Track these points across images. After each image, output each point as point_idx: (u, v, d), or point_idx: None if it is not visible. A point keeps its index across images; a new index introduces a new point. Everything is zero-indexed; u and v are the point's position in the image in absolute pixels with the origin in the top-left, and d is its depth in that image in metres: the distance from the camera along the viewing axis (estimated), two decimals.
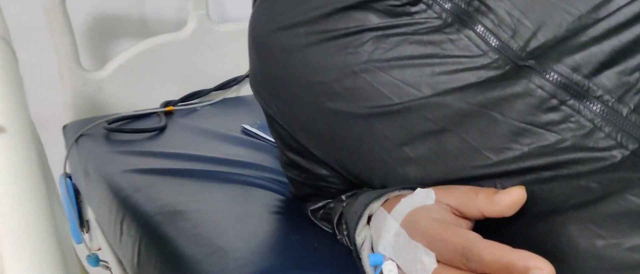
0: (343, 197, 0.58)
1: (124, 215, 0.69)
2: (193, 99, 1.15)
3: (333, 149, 0.55)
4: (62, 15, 1.00)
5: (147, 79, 1.14)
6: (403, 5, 0.47)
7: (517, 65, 0.43)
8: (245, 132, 0.96)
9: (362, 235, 0.48)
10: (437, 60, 0.45)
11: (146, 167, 0.78)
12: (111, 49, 1.25)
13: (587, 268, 0.39)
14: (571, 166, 0.41)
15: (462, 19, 0.45)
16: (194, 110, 1.11)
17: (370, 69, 0.47)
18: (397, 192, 0.48)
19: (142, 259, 0.63)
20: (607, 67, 0.40)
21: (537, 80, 0.42)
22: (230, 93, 1.22)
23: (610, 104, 0.40)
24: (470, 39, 0.45)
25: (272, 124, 0.63)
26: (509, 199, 0.41)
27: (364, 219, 0.49)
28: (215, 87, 1.19)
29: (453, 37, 0.45)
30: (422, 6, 0.46)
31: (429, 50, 0.45)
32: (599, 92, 0.40)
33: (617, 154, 0.39)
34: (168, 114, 1.06)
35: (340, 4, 0.49)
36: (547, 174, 0.41)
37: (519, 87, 0.42)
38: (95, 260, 0.95)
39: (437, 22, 0.46)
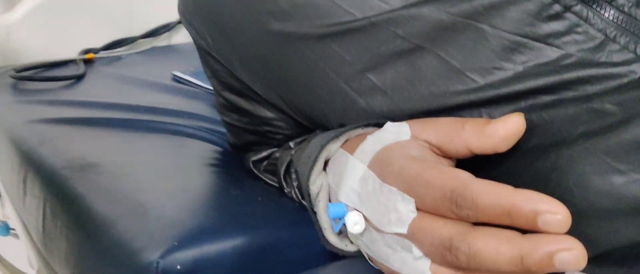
0: (291, 144, 0.50)
1: (27, 172, 0.58)
2: (118, 47, 1.04)
3: (280, 83, 0.46)
4: None
5: (64, 25, 1.02)
6: None
7: None
8: (176, 79, 0.87)
9: (317, 183, 0.40)
10: None
11: (56, 116, 0.67)
12: None
13: (602, 210, 0.32)
14: (578, 86, 0.33)
15: None
16: (118, 58, 1.00)
17: None
18: (359, 131, 0.40)
19: (48, 224, 0.53)
20: None
21: None
22: (161, 41, 1.11)
23: (626, 9, 0.33)
24: None
25: (206, 59, 0.53)
26: (504, 130, 0.33)
27: (320, 164, 0.40)
28: (143, 34, 1.08)
29: None
30: None
31: None
32: None
33: (638, 69, 0.32)
34: (88, 62, 0.95)
35: None
36: (547, 98, 0.34)
37: None
38: (5, 229, 0.85)
39: None
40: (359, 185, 0.35)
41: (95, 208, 0.45)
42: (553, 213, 0.27)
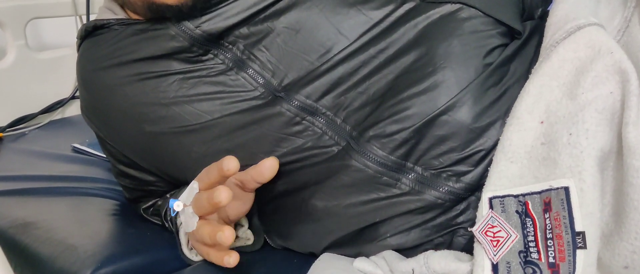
0: (168, 195, 0.76)
1: None
2: (21, 124, 1.22)
3: (156, 161, 0.72)
4: None
5: None
6: (197, 55, 0.65)
7: (275, 95, 0.63)
8: (76, 150, 1.08)
9: (180, 218, 0.67)
10: (224, 95, 0.64)
11: None
12: None
13: (327, 220, 0.62)
14: (311, 158, 0.62)
15: (238, 64, 0.65)
16: (23, 135, 1.19)
17: (177, 102, 0.65)
18: None
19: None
20: (327, 94, 0.62)
21: (286, 105, 0.63)
22: (56, 115, 1.30)
23: (330, 117, 0.62)
24: (244, 79, 0.64)
25: (104, 144, 0.77)
26: (266, 164, 0.62)
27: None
28: (41, 110, 1.27)
29: (233, 77, 0.64)
30: (210, 56, 0.65)
31: (218, 88, 0.65)
32: (324, 110, 0.62)
33: (335, 149, 0.61)
34: None
35: (149, 53, 0.66)
36: (298, 165, 0.63)
37: (275, 110, 0.63)
38: None
39: (222, 67, 0.65)
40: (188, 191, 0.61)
41: (41, 251, 0.70)
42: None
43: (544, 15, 0.63)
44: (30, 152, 1.07)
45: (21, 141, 1.15)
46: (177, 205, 0.60)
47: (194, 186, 0.60)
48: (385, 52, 0.61)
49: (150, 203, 0.80)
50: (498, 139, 0.55)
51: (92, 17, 1.25)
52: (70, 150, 1.09)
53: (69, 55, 1.33)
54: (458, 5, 0.61)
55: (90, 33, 0.73)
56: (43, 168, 0.99)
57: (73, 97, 1.32)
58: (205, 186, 0.60)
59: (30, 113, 1.26)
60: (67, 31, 1.36)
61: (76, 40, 0.76)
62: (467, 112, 0.56)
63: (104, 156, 1.00)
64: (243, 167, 0.64)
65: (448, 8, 0.61)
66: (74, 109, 1.33)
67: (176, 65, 0.66)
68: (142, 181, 0.76)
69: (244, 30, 0.64)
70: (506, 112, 0.56)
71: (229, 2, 0.65)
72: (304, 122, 0.62)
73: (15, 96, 1.26)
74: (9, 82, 1.24)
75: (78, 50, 0.76)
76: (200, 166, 0.66)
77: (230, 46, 0.65)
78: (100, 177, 0.95)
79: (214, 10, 0.65)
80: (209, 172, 0.61)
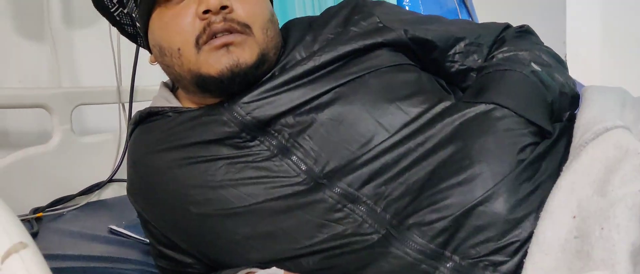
0: None
1: None
2: (59, 205, 1.26)
3: (198, 243, 0.75)
4: None
5: (16, 189, 1.22)
6: (244, 141, 0.70)
7: (317, 182, 0.67)
8: (113, 232, 1.11)
9: None
10: (268, 179, 0.68)
11: None
12: None
13: None
14: (351, 245, 0.65)
15: (283, 151, 0.69)
16: (61, 215, 1.23)
17: (224, 186, 0.69)
18: (247, 270, 0.69)
19: None
20: (368, 183, 0.66)
21: (328, 192, 0.66)
22: (93, 197, 1.34)
23: (370, 206, 0.65)
24: (288, 165, 0.68)
25: (146, 225, 0.81)
26: None
27: None
28: (79, 192, 1.31)
29: (278, 163, 0.69)
30: (257, 142, 0.70)
31: (263, 173, 0.69)
32: (364, 199, 0.65)
33: (375, 236, 0.64)
34: (38, 220, 1.16)
35: (201, 139, 0.71)
36: (338, 251, 0.66)
37: (317, 196, 0.66)
38: None
39: (267, 154, 0.69)
40: None
41: None
42: None
43: (572, 118, 0.67)
44: (69, 233, 1.10)
45: (59, 221, 1.19)
46: None
47: None
48: (425, 146, 0.65)
49: None
50: (532, 231, 0.57)
51: (135, 105, 1.33)
52: (107, 231, 1.11)
53: (110, 140, 1.40)
54: (492, 105, 0.66)
55: (144, 119, 0.78)
56: (81, 248, 1.01)
57: (110, 181, 1.36)
58: None
59: (68, 194, 1.30)
60: (110, 117, 1.42)
61: (129, 125, 0.82)
62: (502, 203, 0.60)
63: (141, 238, 1.05)
64: (284, 251, 0.67)
65: (482, 107, 0.66)
66: (110, 192, 1.37)
67: (225, 151, 0.70)
68: (181, 262, 0.79)
69: (289, 119, 0.69)
70: (539, 206, 0.59)
71: (275, 90, 0.70)
72: (345, 209, 0.65)
73: (56, 178, 1.30)
74: (53, 164, 1.29)
75: (130, 135, 0.81)
76: (242, 248, 0.70)
77: (276, 134, 0.70)
78: (136, 259, 0.97)
79: (264, 99, 0.70)
80: None
